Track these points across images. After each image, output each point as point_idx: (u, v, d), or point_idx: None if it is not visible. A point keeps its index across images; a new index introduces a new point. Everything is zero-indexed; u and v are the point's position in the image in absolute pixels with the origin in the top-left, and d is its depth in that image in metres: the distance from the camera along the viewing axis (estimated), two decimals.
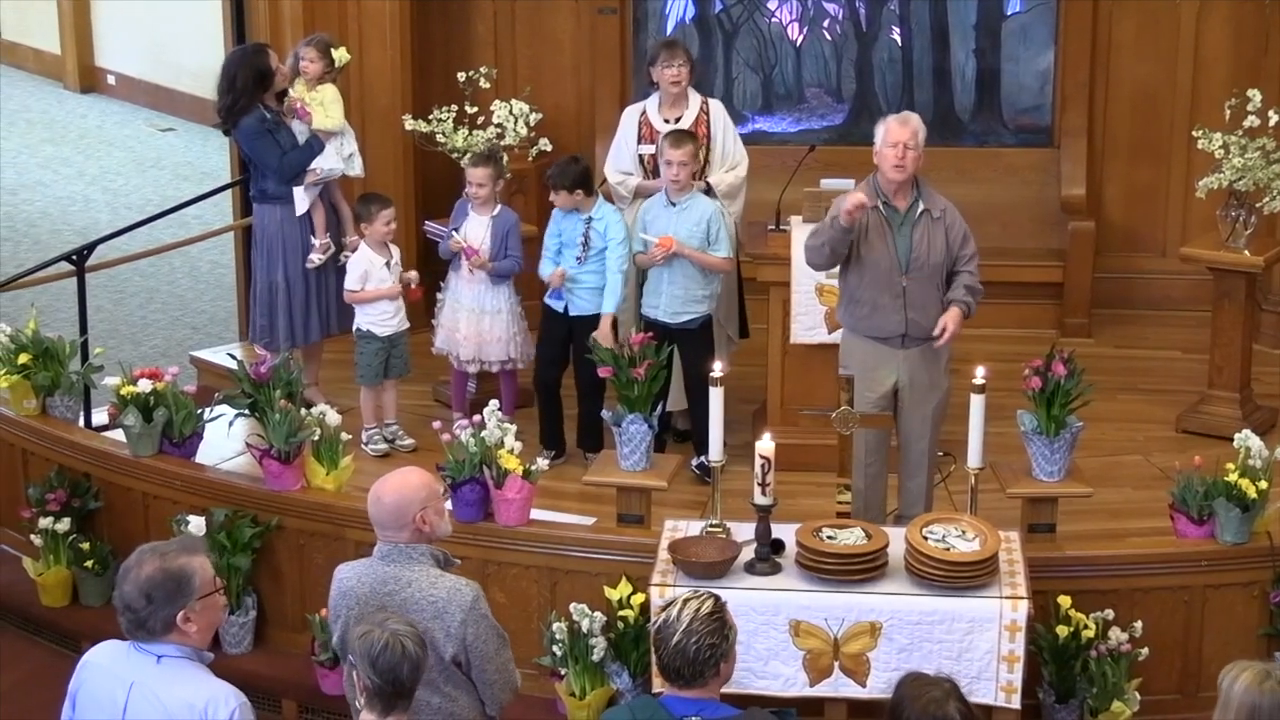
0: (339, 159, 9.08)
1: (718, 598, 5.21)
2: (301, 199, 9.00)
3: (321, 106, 9.01)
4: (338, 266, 9.15)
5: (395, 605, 5.44)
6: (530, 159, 9.75)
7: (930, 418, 7.69)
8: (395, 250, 8.94)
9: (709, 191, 8.74)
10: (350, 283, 8.84)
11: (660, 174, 8.69)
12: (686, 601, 5.15)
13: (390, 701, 4.96)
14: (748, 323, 9.17)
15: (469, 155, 9.15)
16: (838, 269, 7.73)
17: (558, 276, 8.63)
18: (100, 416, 8.95)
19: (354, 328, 8.91)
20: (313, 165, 9.00)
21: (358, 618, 5.46)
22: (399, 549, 5.56)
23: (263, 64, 8.97)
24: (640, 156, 8.96)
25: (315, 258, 9.07)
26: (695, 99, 8.96)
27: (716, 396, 6.97)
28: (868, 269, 7.53)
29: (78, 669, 5.10)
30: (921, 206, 7.57)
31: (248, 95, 8.93)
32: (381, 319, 8.83)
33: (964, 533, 6.74)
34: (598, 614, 7.15)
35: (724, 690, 5.26)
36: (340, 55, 9.06)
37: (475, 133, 9.48)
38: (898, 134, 7.48)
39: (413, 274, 8.93)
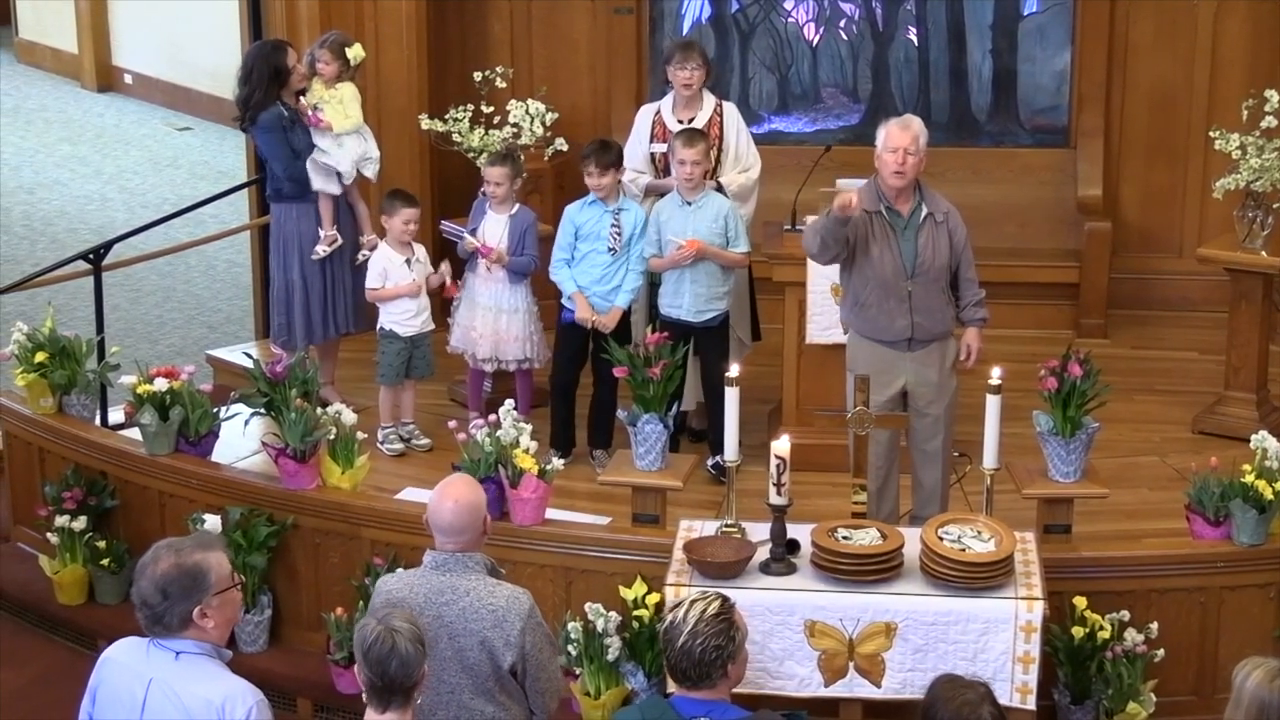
0: (351, 162, 9.07)
1: (725, 598, 5.21)
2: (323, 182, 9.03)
3: (340, 105, 9.02)
4: (355, 265, 9.17)
5: (452, 616, 5.44)
6: (546, 158, 9.77)
7: (942, 418, 7.68)
8: (419, 248, 8.94)
9: (719, 191, 8.73)
10: (371, 281, 8.85)
11: (671, 173, 8.69)
12: (693, 603, 5.17)
13: (383, 696, 4.98)
14: (759, 325, 9.17)
15: (486, 154, 9.16)
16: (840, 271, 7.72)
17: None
18: (116, 415, 8.98)
19: (377, 327, 8.92)
20: (329, 164, 9.03)
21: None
22: (455, 558, 5.54)
23: (280, 61, 8.99)
24: (652, 155, 8.96)
25: (320, 249, 9.09)
26: (710, 101, 8.95)
27: (732, 396, 6.97)
28: (872, 273, 7.51)
29: (97, 665, 5.12)
30: (925, 211, 7.56)
31: (262, 90, 8.97)
32: (404, 319, 8.83)
33: (979, 533, 6.74)
34: (613, 614, 7.15)
35: (739, 690, 5.26)
36: (355, 53, 9.07)
37: (491, 132, 9.49)
38: (898, 139, 7.47)
39: (444, 267, 8.93)
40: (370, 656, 4.95)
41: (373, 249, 9.01)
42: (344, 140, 9.07)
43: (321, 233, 9.10)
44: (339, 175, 9.06)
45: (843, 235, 7.39)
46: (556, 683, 5.65)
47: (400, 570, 5.88)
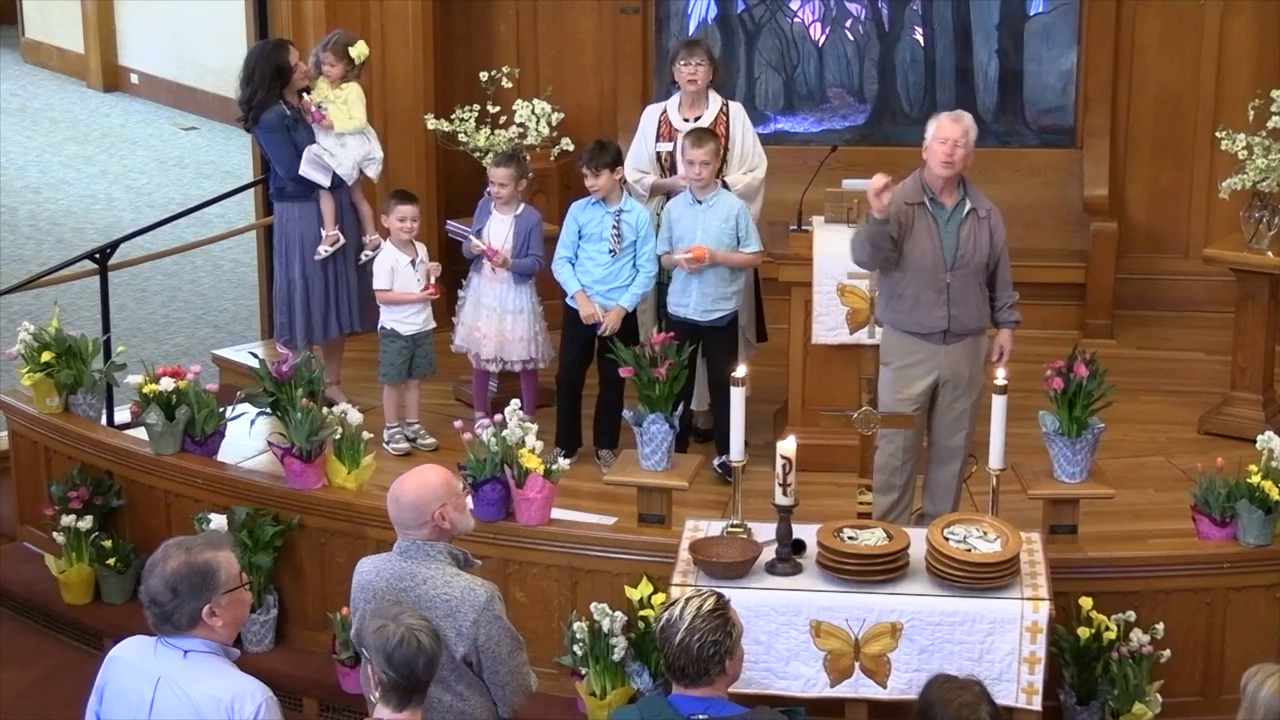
0: (353, 163, 9.05)
1: (720, 595, 5.21)
2: (314, 173, 9.02)
3: (345, 105, 9.02)
4: (359, 265, 9.17)
5: (410, 601, 5.45)
6: (552, 158, 9.77)
7: (968, 413, 7.70)
8: (422, 249, 8.93)
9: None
10: (379, 281, 8.83)
11: (677, 171, 8.69)
12: (689, 600, 5.16)
13: (405, 695, 4.98)
14: (765, 326, 9.17)
15: (491, 155, 9.16)
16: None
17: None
18: (123, 414, 8.99)
19: (379, 326, 8.92)
20: (328, 166, 9.02)
21: (373, 612, 5.48)
22: (418, 546, 5.57)
23: (281, 59, 8.99)
24: (658, 154, 8.96)
25: (323, 249, 9.10)
26: (716, 100, 8.95)
27: (738, 397, 6.97)
28: (911, 265, 7.53)
29: (105, 663, 5.12)
30: (969, 205, 7.58)
31: (264, 89, 8.98)
32: (406, 317, 8.83)
33: (985, 534, 6.73)
34: (618, 614, 7.15)
35: (744, 690, 5.27)
36: (358, 52, 9.05)
37: (497, 132, 9.50)
38: (949, 130, 7.48)
39: (434, 264, 8.91)
40: (396, 659, 4.95)
41: (375, 249, 9.01)
42: (347, 140, 9.07)
43: (323, 232, 9.11)
44: (335, 174, 9.05)
45: (888, 235, 7.42)
46: (520, 678, 5.63)
47: (374, 555, 5.89)
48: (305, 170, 9.00)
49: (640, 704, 5.36)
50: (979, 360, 7.72)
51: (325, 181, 9.03)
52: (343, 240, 9.14)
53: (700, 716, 5.08)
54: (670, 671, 5.16)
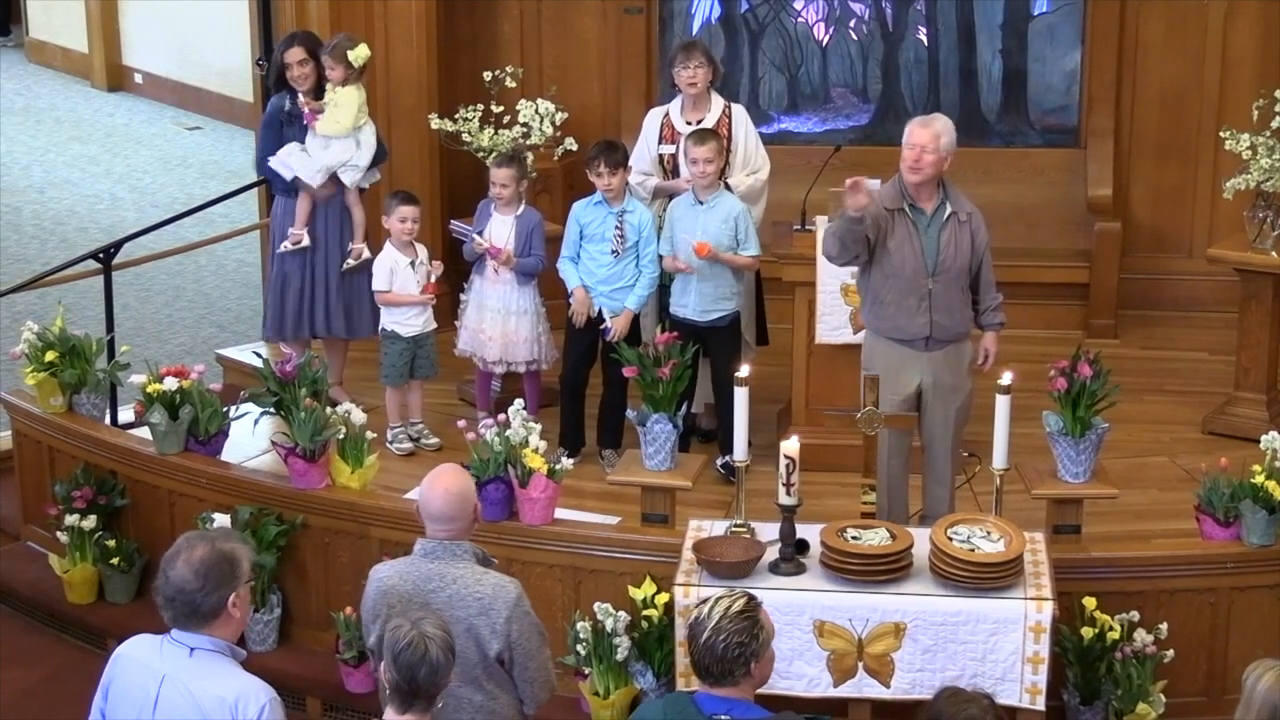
0: (321, 167, 8.99)
1: (751, 597, 5.22)
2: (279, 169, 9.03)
3: (335, 109, 8.96)
4: (341, 272, 9.12)
5: (440, 603, 5.44)
6: (556, 158, 9.77)
7: (952, 419, 7.68)
8: (423, 250, 8.93)
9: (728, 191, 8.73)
10: (378, 282, 8.82)
11: (680, 174, 8.69)
12: (719, 599, 5.18)
13: (406, 699, 4.98)
14: (767, 328, 9.16)
15: (493, 155, 9.15)
16: (858, 270, 7.71)
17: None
18: (126, 414, 8.99)
19: (379, 328, 8.92)
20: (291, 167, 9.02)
21: (399, 611, 5.46)
22: (443, 546, 5.56)
23: (280, 53, 9.06)
24: (660, 156, 8.95)
25: (284, 245, 9.10)
26: (718, 102, 8.95)
27: (742, 397, 6.97)
28: (892, 270, 7.52)
29: (111, 661, 5.13)
30: (949, 209, 7.56)
31: (272, 80, 9.19)
32: (406, 319, 8.83)
33: (989, 534, 6.73)
34: (622, 613, 7.15)
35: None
36: (355, 55, 8.98)
37: (501, 132, 9.49)
38: (916, 136, 7.47)
39: (436, 263, 8.90)
40: (401, 660, 4.95)
41: (358, 259, 9.00)
42: (331, 143, 9.01)
43: (290, 230, 9.11)
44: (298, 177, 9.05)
45: (861, 234, 7.39)
46: (547, 673, 5.65)
47: (392, 559, 5.89)
48: (273, 163, 9.03)
49: (665, 701, 5.37)
50: (963, 367, 7.70)
51: (287, 177, 9.04)
52: (307, 242, 9.10)
53: (723, 717, 5.10)
54: (696, 669, 5.18)
